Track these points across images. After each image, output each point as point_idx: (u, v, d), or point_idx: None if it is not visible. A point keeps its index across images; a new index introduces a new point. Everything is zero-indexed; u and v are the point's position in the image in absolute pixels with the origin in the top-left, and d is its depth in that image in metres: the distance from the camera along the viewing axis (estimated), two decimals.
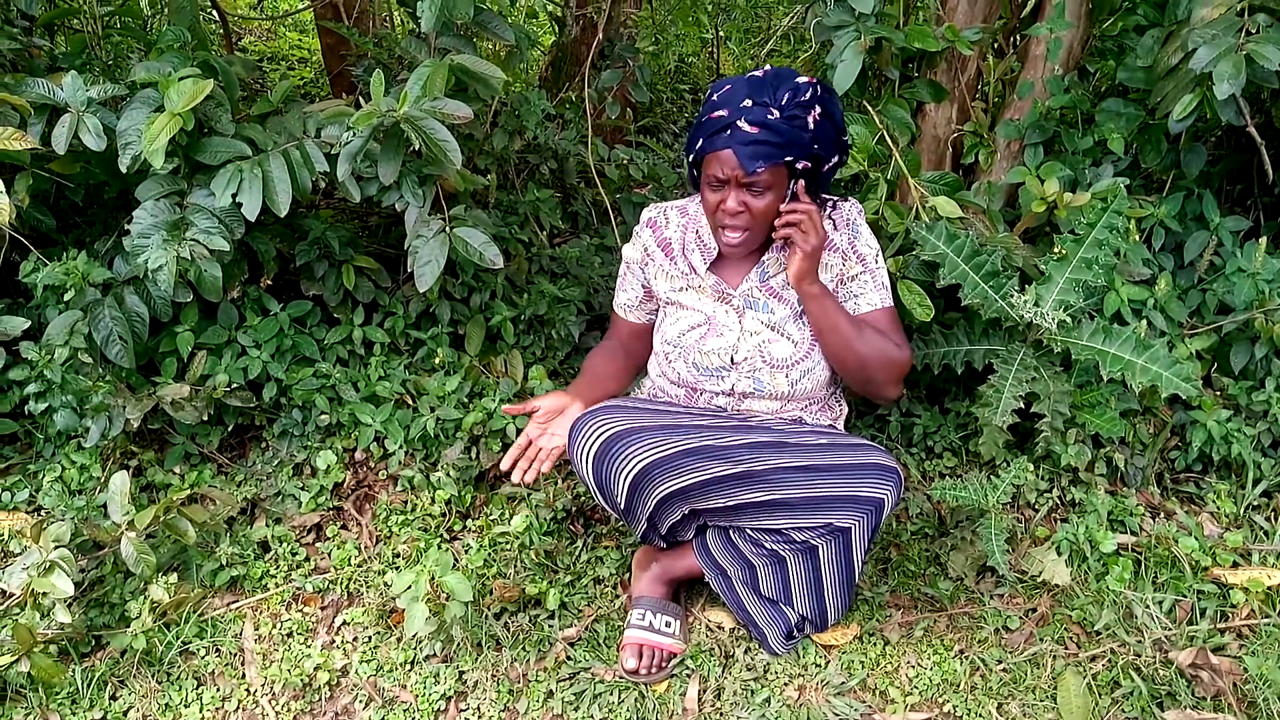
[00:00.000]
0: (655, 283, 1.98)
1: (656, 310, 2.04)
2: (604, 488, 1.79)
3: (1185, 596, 2.00)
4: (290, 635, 2.02)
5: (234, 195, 1.94)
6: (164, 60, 2.00)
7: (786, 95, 1.72)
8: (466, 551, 2.16)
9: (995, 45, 2.50)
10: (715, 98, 1.78)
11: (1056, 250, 2.06)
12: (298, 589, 2.12)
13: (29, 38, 2.20)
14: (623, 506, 1.80)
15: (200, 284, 2.02)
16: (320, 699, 1.90)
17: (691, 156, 1.82)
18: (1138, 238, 2.27)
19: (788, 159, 1.73)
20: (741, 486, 1.75)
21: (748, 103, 1.72)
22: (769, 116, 1.70)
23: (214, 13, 3.20)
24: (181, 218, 1.98)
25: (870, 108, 2.28)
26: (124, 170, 1.92)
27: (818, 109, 1.75)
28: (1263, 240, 2.24)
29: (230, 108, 2.04)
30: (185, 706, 1.88)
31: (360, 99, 2.11)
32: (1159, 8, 2.17)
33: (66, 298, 2.09)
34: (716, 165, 1.74)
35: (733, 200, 1.76)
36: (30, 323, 2.14)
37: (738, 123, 1.71)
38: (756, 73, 1.79)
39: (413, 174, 2.03)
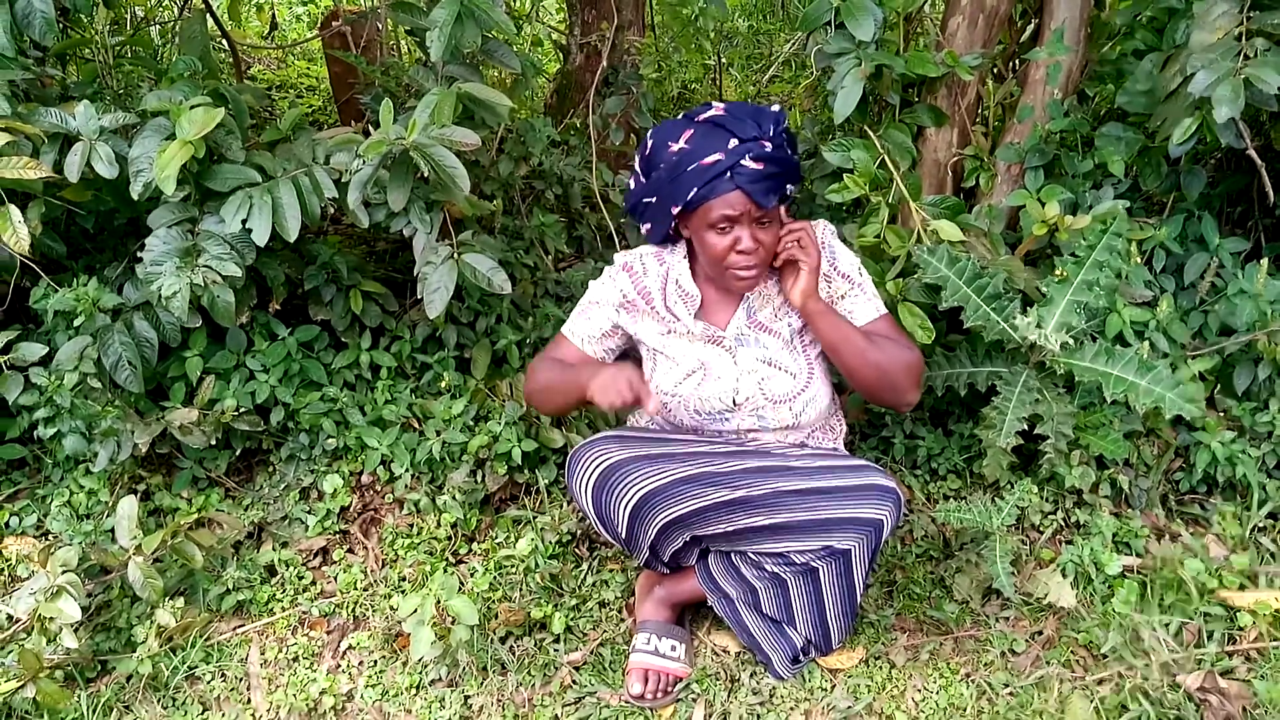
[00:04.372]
0: (640, 330, 1.92)
1: (615, 350, 1.97)
2: (604, 518, 1.79)
3: (1192, 619, 1.99)
4: (296, 660, 2.02)
5: (244, 221, 1.96)
6: (175, 89, 2.02)
7: (771, 126, 1.74)
8: (472, 575, 2.16)
9: (995, 70, 2.52)
10: (684, 146, 1.74)
11: (1058, 272, 2.07)
12: (304, 613, 2.12)
13: (42, 68, 2.23)
14: (624, 536, 1.80)
15: (213, 309, 2.04)
16: None
17: (679, 207, 1.74)
18: (1139, 260, 2.27)
19: (787, 187, 1.75)
20: (740, 511, 1.76)
21: (734, 143, 1.70)
22: (766, 150, 1.71)
23: (224, 42, 3.25)
24: (193, 244, 2.00)
25: (871, 132, 2.30)
26: (136, 197, 1.94)
27: (787, 135, 1.78)
28: (1264, 262, 2.24)
29: (240, 135, 2.07)
30: None
31: (369, 127, 2.14)
32: (1157, 32, 2.19)
33: (76, 323, 2.11)
34: (724, 208, 1.70)
35: (747, 238, 1.72)
36: (44, 349, 2.16)
37: (741, 162, 1.69)
38: (710, 113, 1.77)
39: (421, 200, 2.05)
